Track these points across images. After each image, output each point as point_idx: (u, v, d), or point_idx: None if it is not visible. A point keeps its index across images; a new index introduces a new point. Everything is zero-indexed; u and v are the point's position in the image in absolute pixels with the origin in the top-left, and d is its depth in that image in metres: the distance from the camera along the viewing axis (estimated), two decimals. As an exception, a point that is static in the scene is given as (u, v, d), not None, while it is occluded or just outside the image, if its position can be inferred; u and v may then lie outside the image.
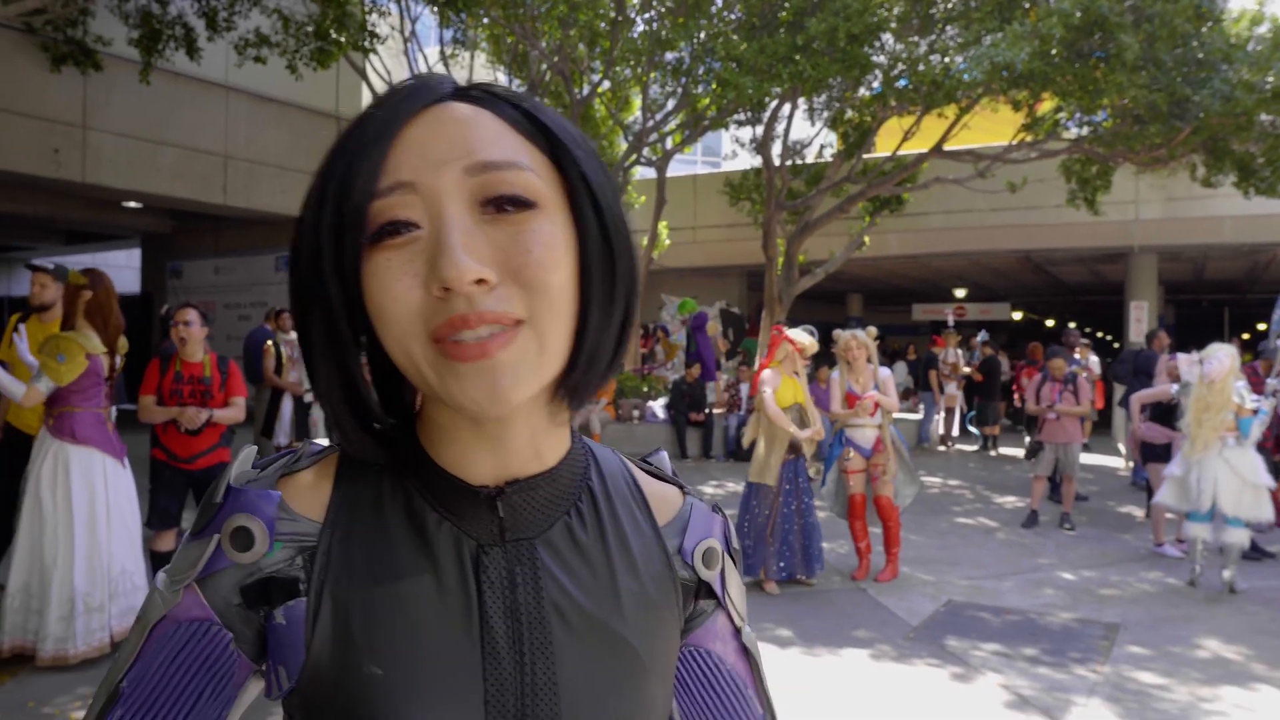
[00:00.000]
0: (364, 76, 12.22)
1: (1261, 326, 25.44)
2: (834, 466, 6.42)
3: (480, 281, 0.58)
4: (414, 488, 0.69)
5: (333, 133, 10.30)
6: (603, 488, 0.75)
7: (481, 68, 13.61)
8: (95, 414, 4.42)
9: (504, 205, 0.61)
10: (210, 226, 15.72)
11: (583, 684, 0.67)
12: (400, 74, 16.35)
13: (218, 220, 15.27)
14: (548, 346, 0.62)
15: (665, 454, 0.88)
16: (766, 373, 5.98)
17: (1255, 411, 6.21)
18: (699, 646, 0.80)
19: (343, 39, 9.79)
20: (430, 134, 0.62)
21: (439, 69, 12.73)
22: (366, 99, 13.73)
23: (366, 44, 9.96)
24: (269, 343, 8.73)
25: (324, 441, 0.74)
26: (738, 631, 0.82)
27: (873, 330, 6.44)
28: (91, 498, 4.33)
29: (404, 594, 0.66)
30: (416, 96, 0.63)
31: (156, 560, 5.24)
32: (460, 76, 12.68)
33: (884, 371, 6.35)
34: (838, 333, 6.48)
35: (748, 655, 0.82)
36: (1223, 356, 6.17)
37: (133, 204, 14.37)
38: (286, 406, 8.68)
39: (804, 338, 6.02)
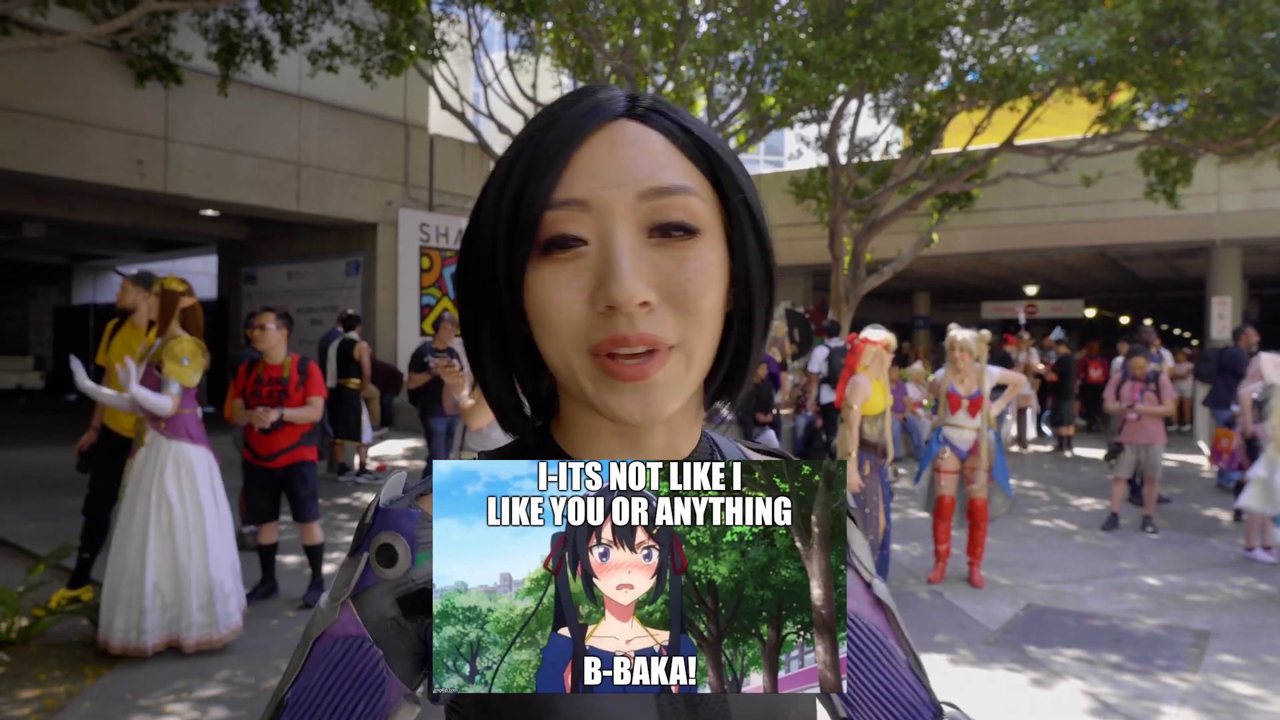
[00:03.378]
0: (431, 83, 12.42)
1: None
2: (929, 465, 6.32)
3: (643, 304, 0.62)
4: None
5: (401, 139, 10.59)
6: None
7: (545, 71, 13.74)
8: (197, 415, 4.63)
9: (670, 231, 0.64)
10: (283, 233, 16.14)
11: None
12: (466, 80, 16.59)
13: (290, 227, 15.67)
14: (694, 364, 0.66)
15: (771, 433, 0.91)
16: (859, 378, 5.80)
17: None
18: None
19: (413, 48, 9.97)
20: (605, 155, 0.64)
21: (505, 75, 12.88)
22: (434, 105, 14.05)
23: (436, 52, 10.12)
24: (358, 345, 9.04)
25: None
26: (868, 585, 0.83)
27: (986, 334, 6.34)
28: (213, 493, 4.58)
29: None
30: (593, 116, 0.66)
31: (261, 554, 5.43)
32: (525, 81, 12.82)
33: (993, 370, 6.24)
34: (952, 329, 6.38)
35: (882, 607, 0.83)
36: None
37: (210, 212, 14.83)
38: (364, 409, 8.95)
39: (881, 335, 5.92)
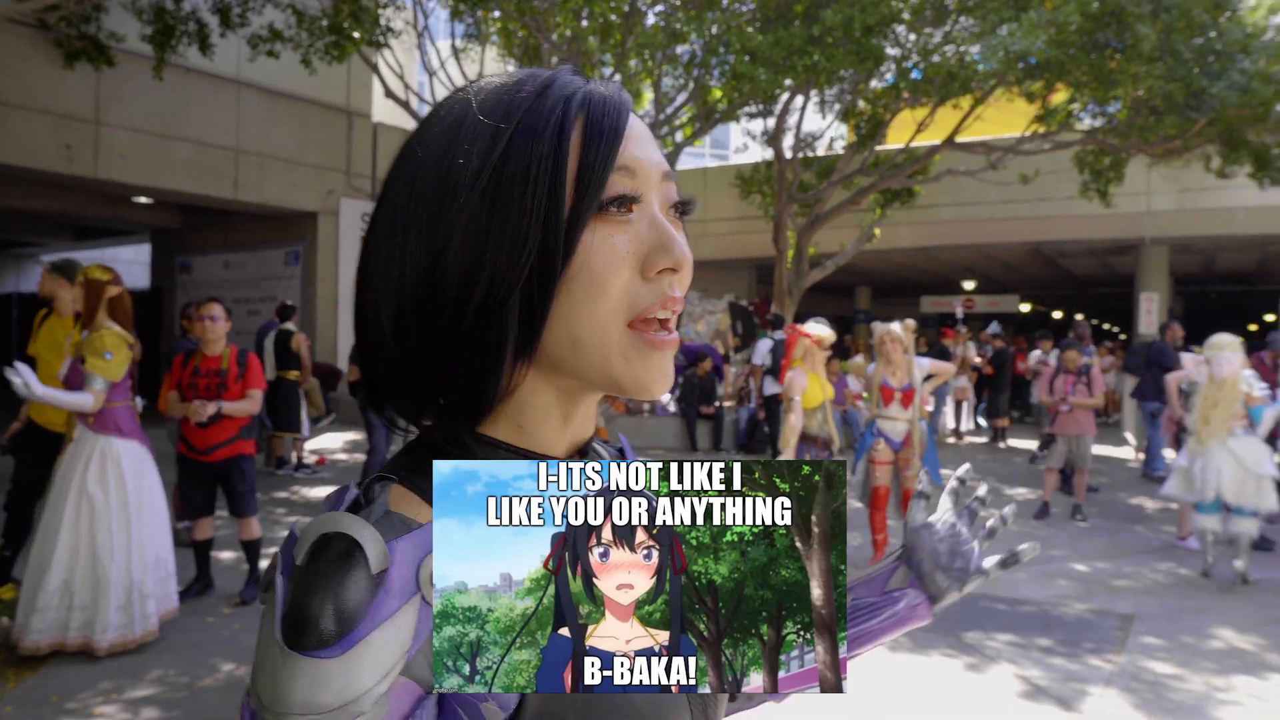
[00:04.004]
0: (375, 70, 12.24)
1: (1270, 317, 25.35)
2: (864, 456, 6.43)
3: None
4: None
5: (344, 127, 10.35)
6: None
7: (492, 61, 13.63)
8: (129, 407, 4.51)
9: (679, 210, 0.68)
10: (220, 221, 15.79)
11: None
12: (411, 68, 16.37)
13: (228, 215, 15.33)
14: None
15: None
16: (794, 374, 5.90)
17: (1264, 400, 6.25)
18: None
19: (356, 34, 9.81)
20: (641, 133, 0.66)
21: (450, 64, 12.75)
22: (378, 93, 13.84)
23: (380, 39, 9.98)
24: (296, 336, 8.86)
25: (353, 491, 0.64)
26: None
27: (910, 323, 6.42)
28: (139, 489, 4.44)
29: None
30: (625, 99, 0.67)
31: (199, 549, 5.31)
32: (471, 71, 12.70)
33: (923, 361, 6.34)
34: (876, 324, 6.45)
35: None
36: (1230, 356, 6.19)
37: (143, 199, 14.44)
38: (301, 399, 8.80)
39: (819, 330, 6.02)
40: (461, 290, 0.61)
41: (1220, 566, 6.31)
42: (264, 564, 5.41)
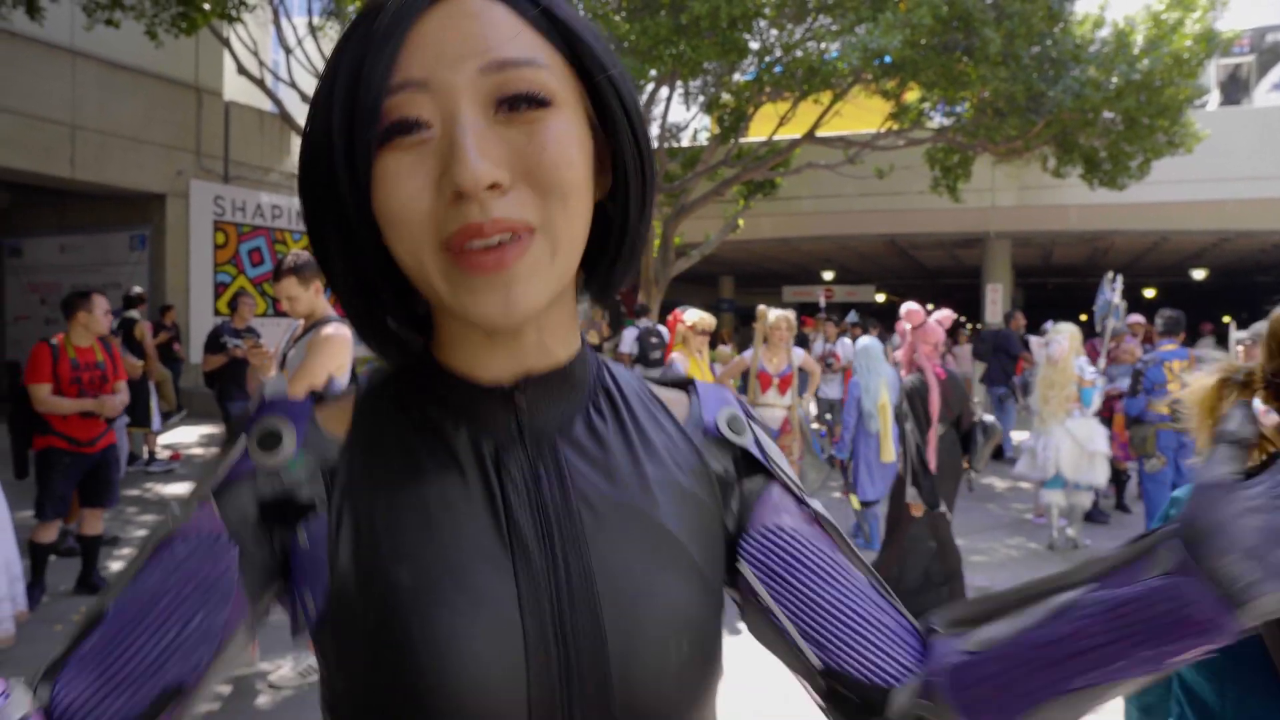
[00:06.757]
0: (227, 45, 11.62)
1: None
2: None
3: (494, 186, 0.57)
4: (430, 398, 0.69)
5: (193, 104, 9.83)
6: (618, 389, 0.74)
7: (353, 40, 13.14)
8: None
9: (518, 104, 0.59)
10: (54, 201, 14.64)
11: (620, 573, 0.65)
12: (266, 44, 15.61)
13: (62, 195, 14.23)
14: (560, 250, 0.61)
15: (678, 365, 0.90)
16: (675, 357, 6.01)
17: (1094, 383, 6.76)
18: (766, 524, 0.73)
19: (207, 6, 9.28)
20: (444, 29, 0.59)
21: (308, 42, 12.24)
22: (230, 70, 13.13)
23: (233, 12, 9.47)
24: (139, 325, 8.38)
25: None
26: (800, 501, 0.75)
27: (790, 313, 6.54)
28: None
29: (426, 500, 0.64)
30: None
31: (37, 552, 4.96)
32: (329, 50, 12.22)
33: (799, 352, 6.43)
34: (764, 309, 6.34)
35: (821, 522, 0.74)
36: (1062, 338, 6.64)
37: (-37, 176, 13.26)
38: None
39: (694, 315, 6.11)
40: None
41: (1062, 538, 6.81)
42: (116, 564, 5.11)
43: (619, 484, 0.68)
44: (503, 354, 0.67)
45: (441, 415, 0.68)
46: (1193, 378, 1.23)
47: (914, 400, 4.68)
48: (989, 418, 5.00)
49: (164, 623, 0.60)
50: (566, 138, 0.60)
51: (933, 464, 4.64)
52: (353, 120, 0.58)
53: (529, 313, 0.60)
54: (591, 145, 0.64)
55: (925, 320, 4.73)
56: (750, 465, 0.76)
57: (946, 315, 4.92)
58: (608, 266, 0.69)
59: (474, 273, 0.58)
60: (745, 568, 0.72)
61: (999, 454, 10.89)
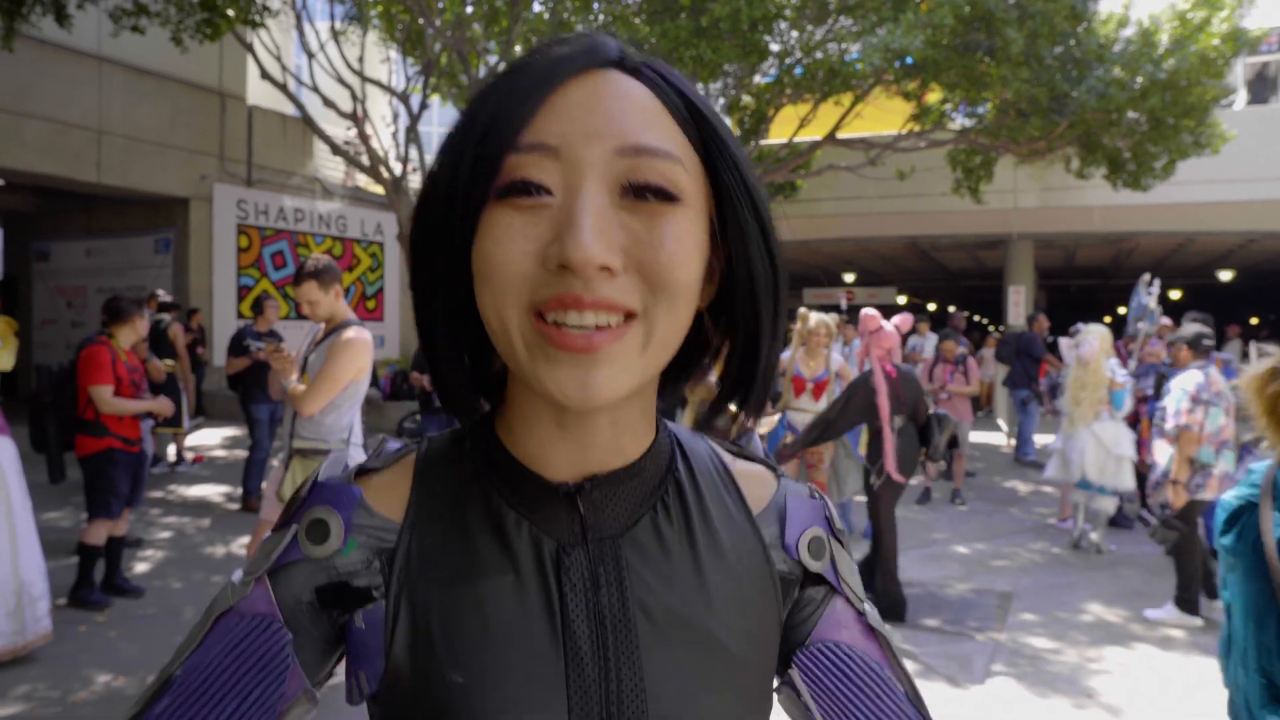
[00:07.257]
0: (250, 50, 11.71)
1: (1123, 310, 27.05)
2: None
3: (604, 268, 0.55)
4: (492, 485, 0.67)
5: (216, 109, 9.90)
6: (690, 477, 0.72)
7: (373, 44, 13.22)
8: None
9: (645, 194, 0.58)
10: (81, 206, 14.82)
11: (673, 687, 0.64)
12: (289, 49, 15.75)
13: (90, 199, 14.41)
14: (653, 345, 0.59)
15: (757, 437, 0.88)
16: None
17: (1124, 385, 6.68)
18: (824, 641, 0.74)
19: (231, 12, 9.36)
20: (587, 101, 0.58)
21: (330, 46, 12.32)
22: (253, 74, 13.24)
23: (256, 18, 9.55)
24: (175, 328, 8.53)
25: (396, 443, 0.73)
26: (860, 614, 0.76)
27: (835, 316, 6.51)
28: (20, 486, 4.22)
29: (484, 599, 0.64)
30: (580, 57, 0.60)
31: (85, 553, 4.99)
32: (351, 54, 12.30)
33: (837, 358, 6.38)
34: (805, 312, 6.36)
35: (876, 635, 0.76)
36: (1093, 339, 6.57)
37: (-7, 180, 13.44)
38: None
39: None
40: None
41: (1084, 539, 6.76)
42: (140, 565, 5.16)
43: (679, 591, 0.67)
44: (571, 444, 0.65)
45: (503, 508, 0.66)
46: (1246, 367, 1.46)
47: (855, 392, 5.09)
48: (941, 410, 5.38)
49: (224, 696, 0.63)
50: (688, 238, 0.59)
51: (891, 456, 5.03)
52: (475, 172, 0.58)
53: (608, 400, 0.58)
54: (708, 250, 0.63)
55: (880, 327, 5.16)
56: (817, 579, 0.76)
57: (904, 319, 5.62)
58: (754, 386, 0.68)
59: (558, 346, 0.56)
60: (797, 676, 0.74)
61: (1019, 457, 10.80)
